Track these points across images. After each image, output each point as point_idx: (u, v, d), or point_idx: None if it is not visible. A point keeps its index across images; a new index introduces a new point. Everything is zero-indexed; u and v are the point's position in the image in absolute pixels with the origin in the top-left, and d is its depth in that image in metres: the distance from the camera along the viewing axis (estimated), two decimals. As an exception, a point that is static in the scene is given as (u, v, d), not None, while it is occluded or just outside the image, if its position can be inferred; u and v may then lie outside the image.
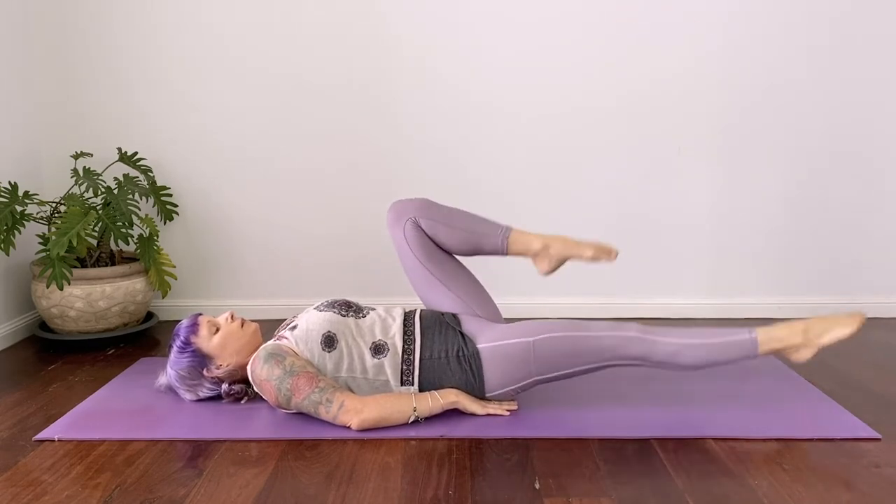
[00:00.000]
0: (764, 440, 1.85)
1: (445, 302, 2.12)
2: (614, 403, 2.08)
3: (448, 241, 2.08)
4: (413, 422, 1.92)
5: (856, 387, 2.22)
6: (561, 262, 2.09)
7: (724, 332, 1.97)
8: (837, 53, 2.86)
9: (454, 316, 2.08)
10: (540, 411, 2.02)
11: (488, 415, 1.97)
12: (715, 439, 1.86)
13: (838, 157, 2.93)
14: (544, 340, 1.94)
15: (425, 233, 2.07)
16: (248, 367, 1.99)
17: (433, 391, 1.97)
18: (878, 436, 1.87)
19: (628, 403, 2.08)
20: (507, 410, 2.00)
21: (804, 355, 1.97)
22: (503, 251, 2.08)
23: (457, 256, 2.15)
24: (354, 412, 1.88)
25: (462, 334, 2.00)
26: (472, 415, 1.97)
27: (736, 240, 2.98)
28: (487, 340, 1.98)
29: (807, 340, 1.95)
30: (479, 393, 2.00)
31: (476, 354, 1.97)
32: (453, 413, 1.97)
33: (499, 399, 2.03)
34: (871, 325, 2.86)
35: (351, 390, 1.96)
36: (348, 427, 1.89)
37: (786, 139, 2.91)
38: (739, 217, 2.96)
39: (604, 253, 2.05)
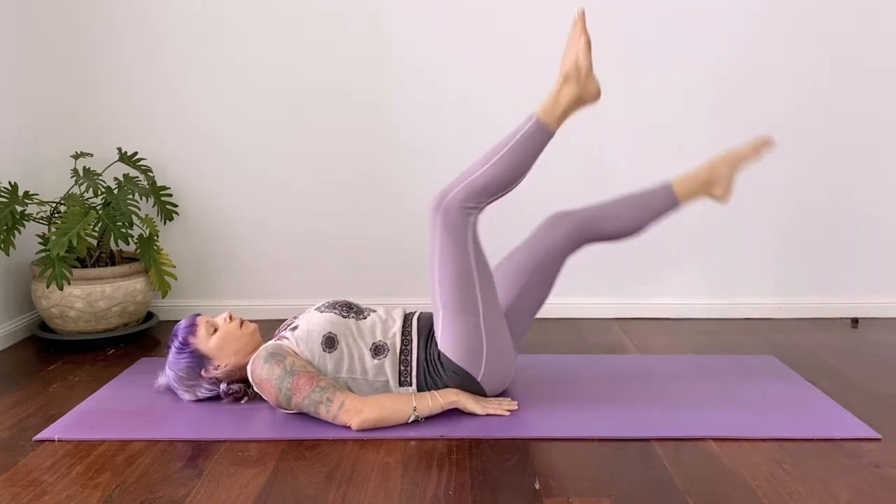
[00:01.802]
0: (764, 440, 1.85)
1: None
2: (614, 403, 2.08)
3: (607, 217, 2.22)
4: (413, 422, 1.92)
5: (856, 387, 2.22)
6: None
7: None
8: (840, 52, 2.86)
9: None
10: (540, 411, 2.02)
11: (488, 415, 1.97)
12: (715, 439, 1.86)
13: (838, 158, 2.93)
14: (449, 293, 1.95)
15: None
16: (249, 367, 1.98)
17: (433, 391, 1.97)
18: (878, 436, 1.87)
19: (628, 403, 2.08)
20: (507, 410, 2.00)
21: None
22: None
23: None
24: (354, 412, 1.88)
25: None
26: (472, 414, 1.97)
27: (736, 240, 2.98)
28: (439, 336, 1.99)
29: None
30: (475, 387, 2.00)
31: (441, 355, 1.98)
32: (453, 413, 1.97)
33: (498, 396, 2.04)
34: (871, 325, 2.88)
35: (351, 391, 1.97)
36: (348, 427, 1.89)
37: (786, 138, 2.91)
38: (739, 217, 2.96)
39: (763, 146, 2.16)
